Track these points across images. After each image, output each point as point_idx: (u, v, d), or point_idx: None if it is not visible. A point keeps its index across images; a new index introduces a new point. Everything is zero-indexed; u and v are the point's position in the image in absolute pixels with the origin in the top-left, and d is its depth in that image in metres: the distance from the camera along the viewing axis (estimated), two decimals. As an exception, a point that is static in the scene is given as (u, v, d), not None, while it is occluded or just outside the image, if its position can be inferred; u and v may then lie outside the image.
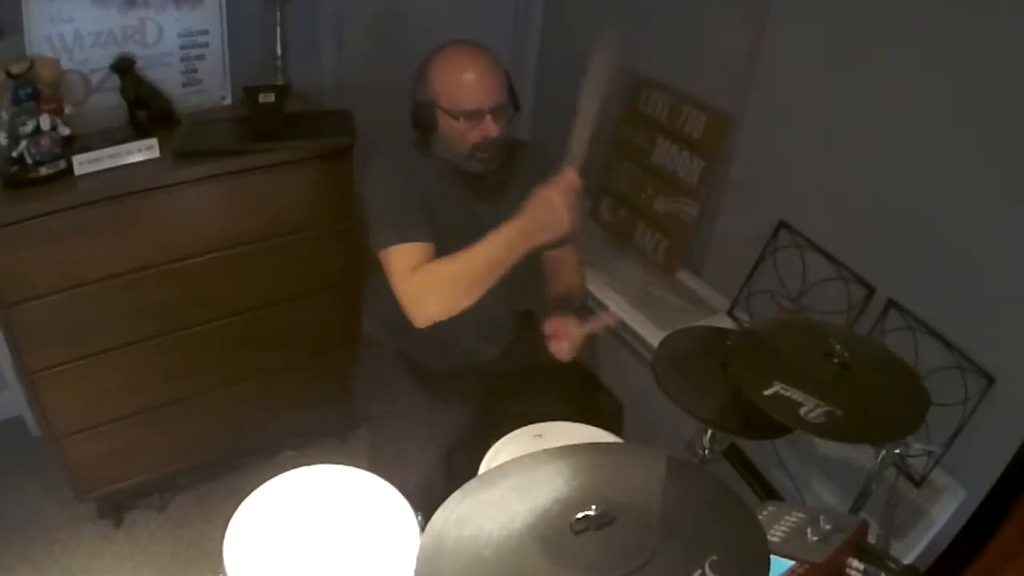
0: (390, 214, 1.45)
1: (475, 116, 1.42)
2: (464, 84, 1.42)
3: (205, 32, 1.94)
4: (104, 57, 1.81)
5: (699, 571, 0.77)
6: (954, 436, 1.57)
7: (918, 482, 1.62)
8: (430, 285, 1.37)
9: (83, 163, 1.63)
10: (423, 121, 1.48)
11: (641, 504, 0.87)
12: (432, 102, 1.45)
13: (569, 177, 1.33)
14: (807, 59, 1.81)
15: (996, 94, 1.46)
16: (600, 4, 2.52)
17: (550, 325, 1.55)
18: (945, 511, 1.59)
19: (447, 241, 1.55)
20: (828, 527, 0.99)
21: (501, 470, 0.99)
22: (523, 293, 1.77)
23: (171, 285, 1.80)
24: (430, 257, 1.40)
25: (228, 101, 2.05)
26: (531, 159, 1.67)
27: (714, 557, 0.78)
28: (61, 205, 1.59)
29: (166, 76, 1.92)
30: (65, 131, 1.66)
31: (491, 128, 1.44)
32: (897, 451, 1.28)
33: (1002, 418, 1.52)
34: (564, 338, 1.52)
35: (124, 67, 1.81)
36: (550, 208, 1.31)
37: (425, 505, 1.09)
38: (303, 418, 2.23)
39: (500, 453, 1.37)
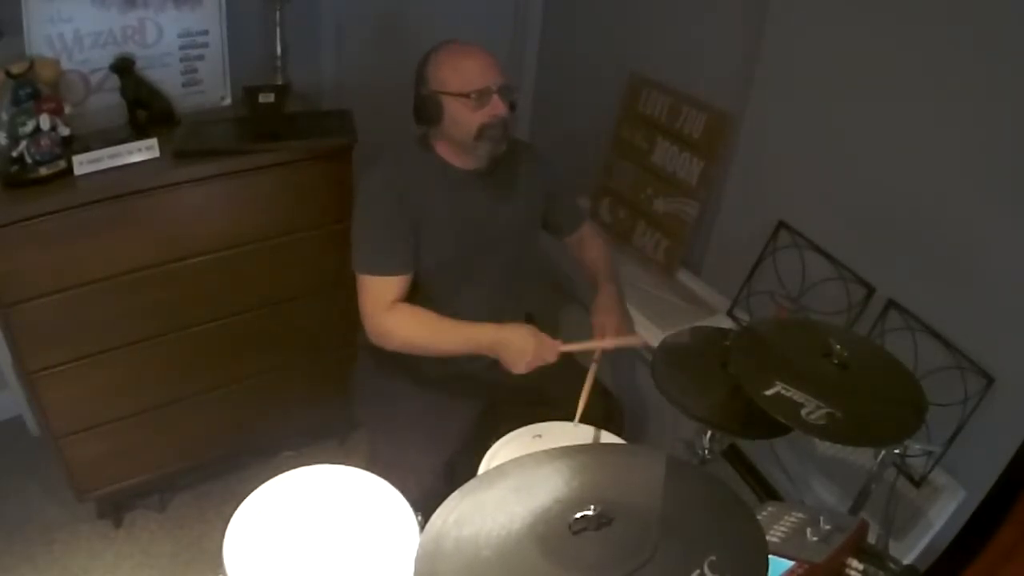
0: (372, 240, 1.52)
1: (483, 95, 1.46)
2: (470, 66, 1.47)
3: (205, 32, 1.94)
4: (104, 57, 1.81)
5: (698, 571, 0.77)
6: (954, 436, 1.57)
7: (918, 482, 1.62)
8: (396, 333, 1.52)
9: (83, 163, 1.63)
10: (428, 114, 1.50)
11: (640, 504, 0.87)
12: (437, 91, 1.47)
13: (551, 354, 1.49)
14: (807, 59, 1.81)
15: (996, 94, 1.46)
16: (600, 4, 2.52)
17: (596, 319, 1.66)
18: (945, 511, 1.59)
19: (447, 239, 1.55)
20: (828, 527, 0.99)
21: (501, 470, 0.99)
22: (525, 296, 1.78)
23: (171, 285, 1.80)
24: (403, 288, 1.52)
25: (228, 101, 2.05)
26: (528, 156, 1.67)
27: (713, 557, 0.78)
28: (61, 205, 1.59)
29: (166, 76, 1.92)
30: (65, 131, 1.66)
31: (499, 106, 1.47)
32: (897, 451, 1.28)
33: (1002, 418, 1.52)
34: (608, 332, 1.62)
35: (124, 67, 1.81)
36: (518, 354, 1.47)
37: (425, 508, 1.09)
38: (303, 418, 2.23)
39: (500, 453, 1.37)
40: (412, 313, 1.51)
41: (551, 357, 1.49)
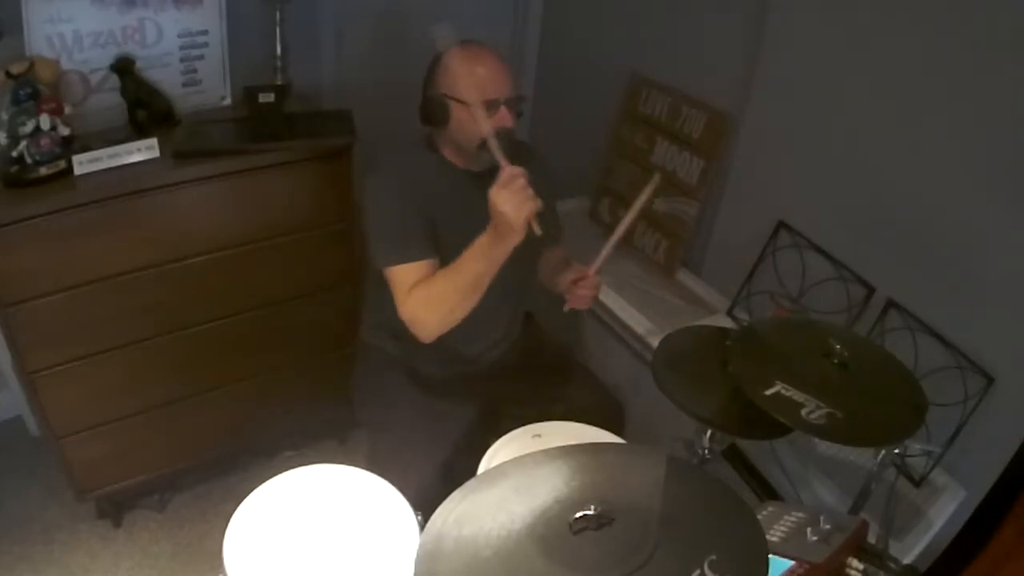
0: (390, 232, 1.49)
1: (492, 106, 1.44)
2: (482, 75, 1.45)
3: (205, 32, 1.94)
4: (104, 57, 1.81)
5: (698, 571, 0.77)
6: (954, 436, 1.57)
7: (918, 482, 1.62)
8: (424, 303, 1.43)
9: (83, 163, 1.63)
10: (434, 115, 1.49)
11: (640, 504, 0.87)
12: (446, 95, 1.46)
13: (505, 174, 1.33)
14: (807, 59, 1.81)
15: (996, 94, 1.46)
16: (600, 4, 2.52)
17: (566, 282, 1.60)
18: (945, 511, 1.59)
19: (454, 241, 1.55)
20: (828, 527, 0.99)
21: (501, 470, 0.99)
22: (524, 295, 1.78)
23: (171, 285, 1.80)
24: (430, 273, 1.45)
25: (228, 101, 2.05)
26: (531, 160, 1.67)
27: (713, 557, 0.78)
28: (61, 205, 1.59)
29: (166, 76, 1.92)
30: (65, 131, 1.66)
31: (506, 118, 1.46)
32: (897, 451, 1.28)
33: (1002, 418, 1.52)
34: (584, 285, 1.58)
35: (124, 67, 1.81)
36: (497, 212, 1.33)
37: (424, 507, 1.09)
38: (303, 418, 2.23)
39: (499, 453, 1.37)
40: (425, 283, 1.44)
41: (509, 173, 1.33)
